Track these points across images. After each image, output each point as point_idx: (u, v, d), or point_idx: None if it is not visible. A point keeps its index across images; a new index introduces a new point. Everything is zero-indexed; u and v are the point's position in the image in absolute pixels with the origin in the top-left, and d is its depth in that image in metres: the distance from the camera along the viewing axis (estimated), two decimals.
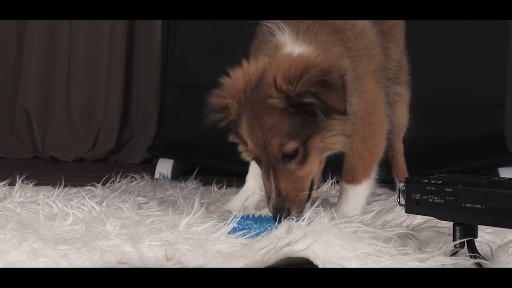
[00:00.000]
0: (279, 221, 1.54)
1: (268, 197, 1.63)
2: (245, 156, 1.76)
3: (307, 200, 1.66)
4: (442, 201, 1.27)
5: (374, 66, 1.85)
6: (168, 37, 3.68)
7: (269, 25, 1.76)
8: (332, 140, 1.66)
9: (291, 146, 1.59)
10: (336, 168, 2.01)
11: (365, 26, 1.86)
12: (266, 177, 1.63)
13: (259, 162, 1.68)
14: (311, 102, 1.55)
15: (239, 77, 1.65)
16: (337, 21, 1.79)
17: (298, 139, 1.60)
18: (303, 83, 1.54)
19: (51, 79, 3.97)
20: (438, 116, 3.39)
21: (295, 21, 1.74)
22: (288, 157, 1.61)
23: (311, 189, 1.67)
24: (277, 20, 1.75)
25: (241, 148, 1.76)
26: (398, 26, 2.14)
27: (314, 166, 1.66)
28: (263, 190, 1.69)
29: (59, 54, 3.95)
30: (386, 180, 2.14)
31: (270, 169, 1.61)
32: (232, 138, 1.75)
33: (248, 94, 1.62)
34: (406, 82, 2.25)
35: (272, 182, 1.61)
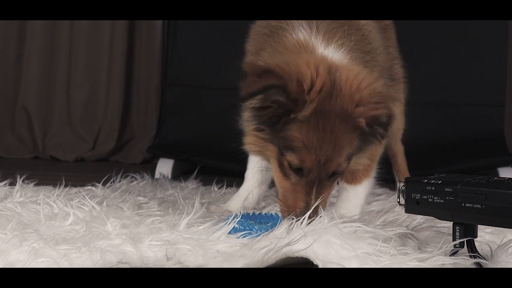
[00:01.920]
0: None
1: (298, 209, 1.52)
2: (249, 148, 1.63)
3: None
4: (442, 201, 1.28)
5: (379, 68, 1.79)
6: (168, 37, 3.68)
7: (287, 23, 1.66)
8: (361, 161, 1.65)
9: (345, 166, 1.54)
10: None
11: (370, 24, 1.80)
12: (306, 192, 1.52)
13: (299, 172, 1.53)
14: (379, 131, 1.53)
15: (319, 76, 1.47)
16: (348, 21, 1.71)
17: (349, 160, 1.55)
18: (381, 111, 1.50)
19: (51, 79, 3.96)
20: (438, 116, 3.40)
21: (312, 21, 1.65)
22: (335, 175, 1.55)
23: None
24: (291, 20, 1.66)
25: (252, 141, 1.60)
26: (391, 26, 2.13)
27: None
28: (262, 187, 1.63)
29: (59, 54, 3.94)
30: (386, 180, 2.14)
31: (314, 185, 1.52)
32: (254, 125, 1.56)
33: (321, 99, 1.47)
34: (400, 84, 2.22)
35: (313, 199, 1.52)
